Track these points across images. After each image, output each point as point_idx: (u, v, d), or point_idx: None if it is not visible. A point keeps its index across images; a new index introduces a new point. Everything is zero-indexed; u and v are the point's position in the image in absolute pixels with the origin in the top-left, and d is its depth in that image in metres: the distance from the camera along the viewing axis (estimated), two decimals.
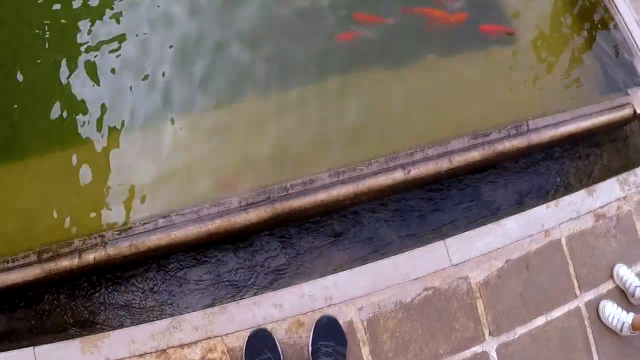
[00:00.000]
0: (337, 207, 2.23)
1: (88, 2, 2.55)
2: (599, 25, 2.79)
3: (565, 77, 2.66)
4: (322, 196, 2.15)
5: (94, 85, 2.42)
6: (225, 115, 2.42)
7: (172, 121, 2.39)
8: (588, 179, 2.62)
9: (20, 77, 2.41)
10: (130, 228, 2.03)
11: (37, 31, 2.50)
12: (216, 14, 2.58)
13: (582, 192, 2.47)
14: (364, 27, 2.69)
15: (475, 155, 2.22)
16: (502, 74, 2.57)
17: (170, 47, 2.51)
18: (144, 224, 2.04)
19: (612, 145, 2.75)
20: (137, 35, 2.51)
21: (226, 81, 2.45)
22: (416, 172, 2.18)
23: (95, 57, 2.46)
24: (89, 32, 2.48)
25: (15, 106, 2.37)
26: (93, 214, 2.21)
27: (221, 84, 2.44)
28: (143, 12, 2.54)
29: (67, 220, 2.18)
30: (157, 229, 2.08)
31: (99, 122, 2.37)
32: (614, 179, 2.56)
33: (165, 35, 2.51)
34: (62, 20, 2.53)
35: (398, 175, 2.18)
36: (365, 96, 2.45)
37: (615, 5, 2.77)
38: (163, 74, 2.45)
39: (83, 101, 2.40)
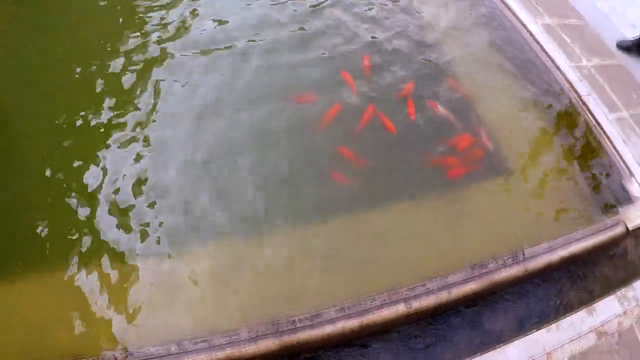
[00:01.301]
0: (343, 339, 2.33)
1: None
2: (588, 150, 2.96)
3: (557, 202, 2.79)
4: (328, 329, 2.26)
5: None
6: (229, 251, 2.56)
7: (170, 256, 2.52)
8: (587, 298, 2.69)
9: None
10: (140, 353, 2.13)
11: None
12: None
13: (582, 312, 2.54)
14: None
15: (473, 286, 2.34)
16: (496, 204, 2.71)
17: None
18: (157, 348, 2.15)
19: (609, 262, 2.84)
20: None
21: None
22: (418, 305, 2.29)
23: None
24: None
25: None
26: (103, 338, 2.29)
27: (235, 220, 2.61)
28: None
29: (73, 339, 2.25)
30: (169, 354, 2.18)
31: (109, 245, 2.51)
32: (612, 295, 2.63)
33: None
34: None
35: (401, 309, 2.29)
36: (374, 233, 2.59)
37: (603, 129, 2.96)
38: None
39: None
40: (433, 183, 2.74)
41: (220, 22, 3.59)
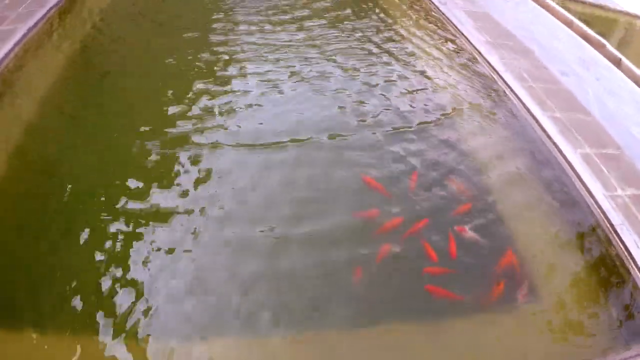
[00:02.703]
0: None
1: None
2: (618, 280, 3.24)
3: (587, 330, 3.05)
4: None
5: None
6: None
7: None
8: None
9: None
10: None
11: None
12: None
13: None
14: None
15: None
16: (525, 332, 3.02)
17: None
18: None
19: None
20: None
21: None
22: None
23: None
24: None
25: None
26: None
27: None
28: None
29: None
30: None
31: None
32: None
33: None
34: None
35: None
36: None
37: (634, 259, 3.25)
38: None
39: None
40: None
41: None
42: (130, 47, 5.59)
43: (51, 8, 6.02)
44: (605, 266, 3.30)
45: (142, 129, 4.08)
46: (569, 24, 7.87)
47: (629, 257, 3.26)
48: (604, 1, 10.79)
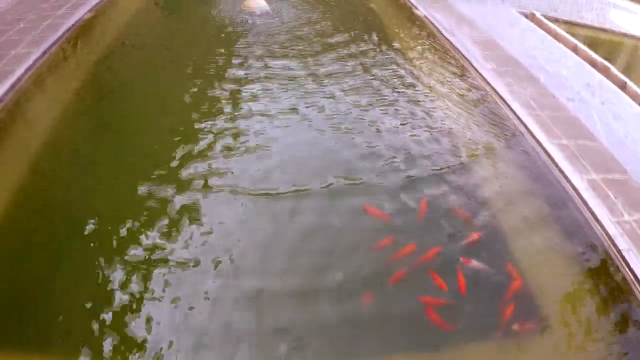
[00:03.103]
0: None
1: None
2: (626, 306, 3.35)
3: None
4: None
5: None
6: None
7: None
8: None
9: None
10: None
11: None
12: None
13: None
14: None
15: None
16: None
17: None
18: None
19: None
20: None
21: None
22: None
23: None
24: None
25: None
26: None
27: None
28: None
29: None
30: None
31: None
32: None
33: None
34: None
35: None
36: None
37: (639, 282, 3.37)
38: None
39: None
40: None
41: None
42: (140, 78, 5.82)
43: (63, 34, 6.34)
44: (613, 292, 3.41)
45: (151, 171, 4.06)
46: (574, 49, 8.07)
47: (635, 282, 3.38)
48: (608, 24, 11.00)
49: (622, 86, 6.81)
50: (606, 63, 7.55)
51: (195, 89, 5.35)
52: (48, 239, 3.46)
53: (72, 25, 6.69)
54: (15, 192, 3.81)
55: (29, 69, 5.38)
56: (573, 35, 8.93)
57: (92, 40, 6.71)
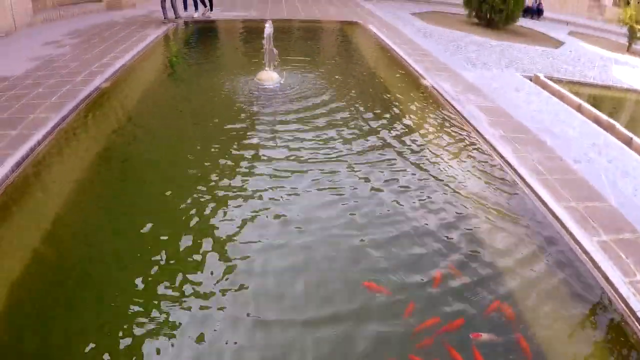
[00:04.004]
0: None
1: None
2: None
3: None
4: None
5: None
6: None
7: None
8: None
9: None
10: None
11: None
12: None
13: None
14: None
15: None
16: None
17: None
18: None
19: None
20: None
21: None
22: None
23: None
24: None
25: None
26: None
27: None
28: None
29: None
30: None
31: None
32: None
33: None
34: None
35: None
36: None
37: None
38: None
39: None
40: None
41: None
42: (157, 145, 6.12)
43: (81, 101, 6.83)
44: (629, 354, 3.53)
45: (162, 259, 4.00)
46: (578, 108, 8.42)
47: None
48: (611, 81, 11.40)
49: (628, 142, 7.07)
50: (611, 120, 7.85)
51: (208, 163, 5.54)
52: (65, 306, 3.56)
53: (90, 93, 7.23)
54: (29, 259, 3.97)
55: (47, 134, 5.72)
56: (577, 94, 9.31)
57: (108, 109, 7.19)
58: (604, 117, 8.02)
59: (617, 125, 7.65)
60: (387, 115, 7.39)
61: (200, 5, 14.08)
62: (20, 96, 7.00)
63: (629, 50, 16.81)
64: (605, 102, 10.21)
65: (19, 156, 5.18)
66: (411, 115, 7.50)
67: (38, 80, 7.80)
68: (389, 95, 8.59)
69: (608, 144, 6.97)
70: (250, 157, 5.76)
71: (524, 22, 19.16)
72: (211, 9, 14.21)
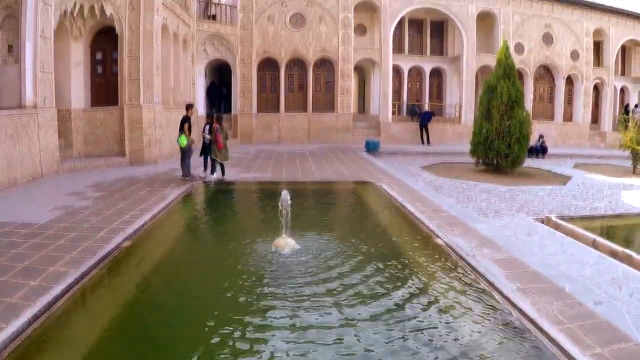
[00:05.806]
0: None
1: None
2: None
3: None
4: None
5: None
6: None
7: None
8: None
9: None
10: None
11: None
12: None
13: None
14: None
15: None
16: None
17: None
18: None
19: None
20: None
21: None
22: None
23: None
24: None
25: None
26: None
27: None
28: None
29: None
30: None
31: None
32: None
33: None
34: None
35: None
36: None
37: None
38: None
39: None
40: None
41: None
42: (174, 310, 6.19)
43: (101, 259, 7.04)
44: None
45: None
46: (593, 244, 8.68)
47: None
48: (621, 208, 11.74)
49: None
50: (627, 251, 8.05)
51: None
52: None
53: (110, 251, 7.54)
54: None
55: (67, 289, 5.83)
56: (590, 229, 9.62)
57: (128, 268, 7.41)
58: (619, 249, 8.23)
59: (634, 255, 7.83)
60: (405, 286, 7.45)
61: (218, 170, 14.97)
62: (42, 246, 7.41)
63: (634, 172, 17.36)
64: (619, 231, 10.42)
65: (36, 309, 5.39)
66: (429, 281, 7.67)
67: (60, 232, 8.26)
68: (404, 259, 8.59)
69: (627, 277, 7.09)
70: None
71: (530, 162, 20.17)
72: (222, 173, 15.11)
